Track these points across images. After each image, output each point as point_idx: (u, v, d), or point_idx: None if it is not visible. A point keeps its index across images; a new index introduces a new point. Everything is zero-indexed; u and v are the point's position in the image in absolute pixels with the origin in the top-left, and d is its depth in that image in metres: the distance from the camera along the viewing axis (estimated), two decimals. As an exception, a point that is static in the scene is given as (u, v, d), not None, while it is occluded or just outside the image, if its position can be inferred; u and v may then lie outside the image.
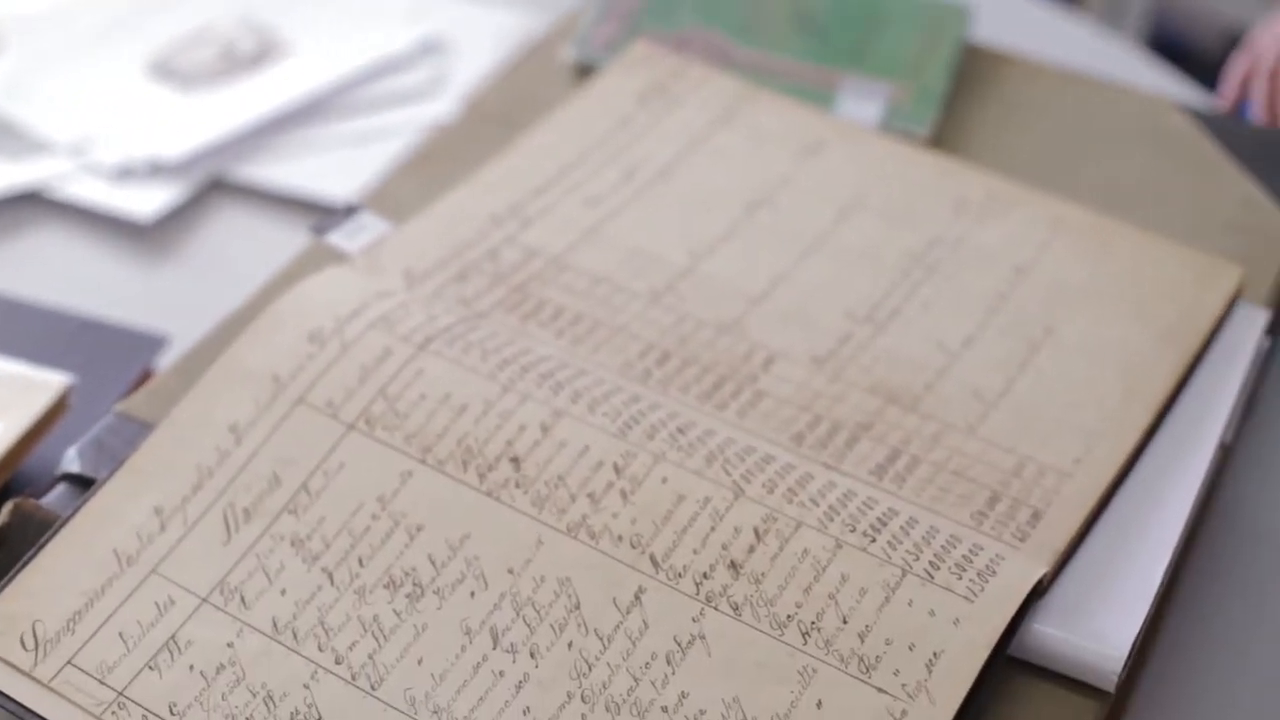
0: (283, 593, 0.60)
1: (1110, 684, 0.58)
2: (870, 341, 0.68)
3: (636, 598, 0.59)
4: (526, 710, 0.56)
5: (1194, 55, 1.01)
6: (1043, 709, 0.59)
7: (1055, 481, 0.63)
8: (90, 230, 0.84)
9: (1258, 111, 0.95)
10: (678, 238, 0.72)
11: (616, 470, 0.61)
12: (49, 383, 0.70)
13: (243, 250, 0.83)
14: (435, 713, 0.57)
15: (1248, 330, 0.70)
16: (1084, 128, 0.82)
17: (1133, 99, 0.84)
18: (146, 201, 0.84)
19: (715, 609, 0.58)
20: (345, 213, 0.73)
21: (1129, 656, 0.59)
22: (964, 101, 0.83)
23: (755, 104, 0.79)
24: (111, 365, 0.74)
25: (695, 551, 0.59)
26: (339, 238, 0.72)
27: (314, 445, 0.63)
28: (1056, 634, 0.59)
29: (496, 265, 0.70)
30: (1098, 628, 0.59)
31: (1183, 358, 0.68)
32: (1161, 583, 0.61)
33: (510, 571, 0.59)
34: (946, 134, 0.81)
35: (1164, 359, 0.68)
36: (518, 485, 0.61)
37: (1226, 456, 0.70)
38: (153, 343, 0.75)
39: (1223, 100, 0.97)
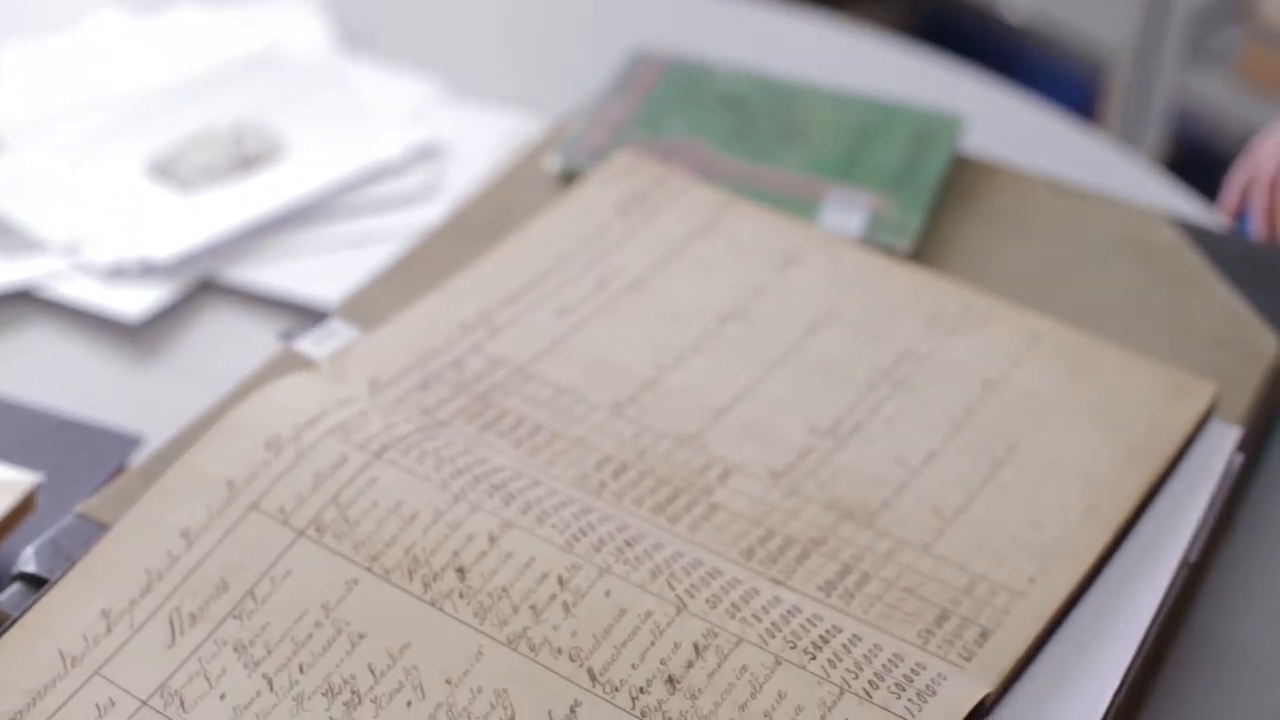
0: (222, 697, 0.59)
1: (1055, 810, 0.57)
2: (830, 456, 0.68)
3: (572, 710, 0.58)
4: (459, 825, 0.56)
5: (1217, 166, 1.00)
6: (985, 835, 0.58)
7: (1007, 600, 0.62)
8: (79, 329, 0.85)
9: (1256, 222, 0.94)
10: (645, 349, 0.72)
11: (561, 582, 0.61)
12: (15, 482, 0.71)
13: (228, 351, 0.83)
14: (365, 825, 0.56)
15: (1218, 447, 0.69)
16: (1070, 240, 0.82)
17: (1121, 211, 0.83)
18: (136, 301, 0.85)
19: (650, 724, 0.58)
20: (315, 319, 0.73)
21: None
22: (951, 212, 0.83)
23: (734, 214, 0.79)
24: (84, 465, 0.75)
25: (634, 666, 0.59)
26: (307, 344, 0.72)
27: (263, 551, 0.63)
28: (1001, 757, 0.58)
29: (460, 374, 0.70)
30: (1045, 750, 0.58)
31: (1148, 475, 0.67)
32: (1112, 704, 0.60)
33: (448, 682, 0.59)
34: (930, 246, 0.81)
35: (1129, 476, 0.67)
36: (461, 595, 0.61)
37: (1194, 575, 0.68)
38: (127, 443, 0.76)
39: (1223, 211, 0.97)
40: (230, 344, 0.84)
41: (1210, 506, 0.67)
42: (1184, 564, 0.66)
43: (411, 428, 0.66)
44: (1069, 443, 0.68)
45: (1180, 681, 0.69)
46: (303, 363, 0.71)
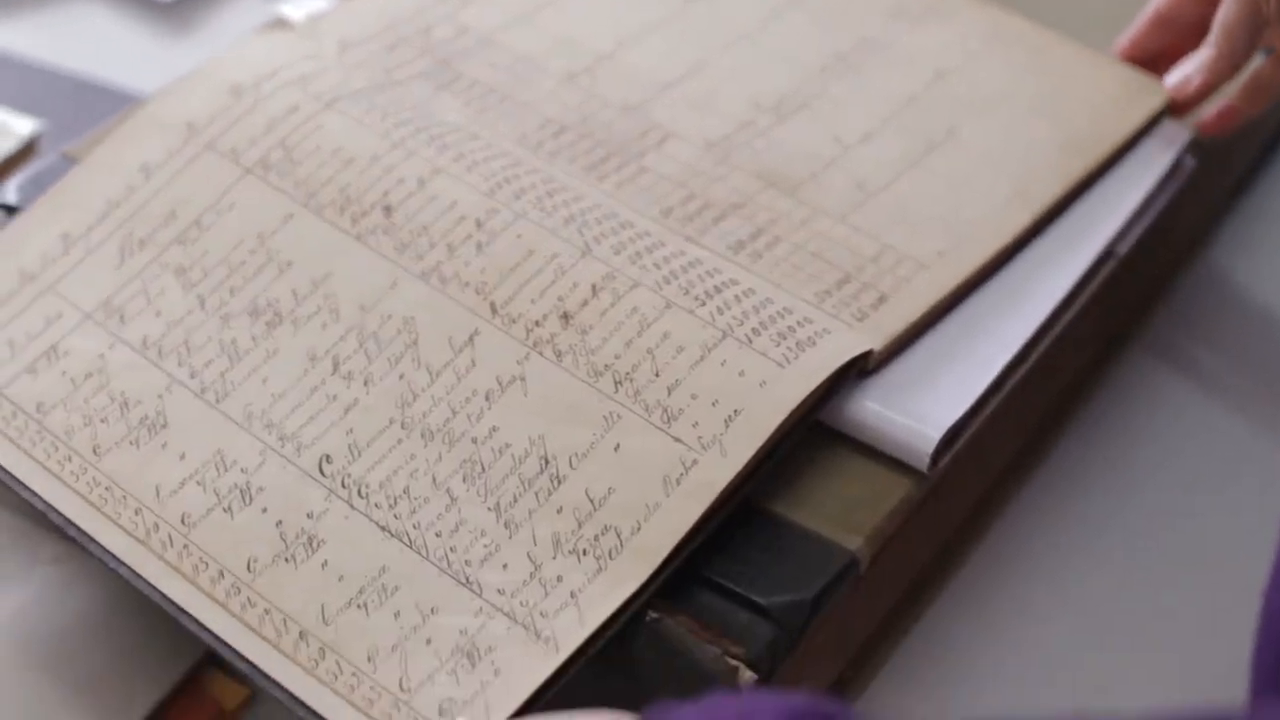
0: (158, 314, 0.64)
1: (922, 463, 0.59)
2: (768, 130, 0.69)
3: (470, 339, 0.61)
4: (350, 431, 0.60)
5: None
6: (855, 481, 0.59)
7: (911, 270, 0.64)
8: (119, 3, 0.89)
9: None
10: (609, 26, 0.74)
11: (478, 224, 0.64)
12: (18, 128, 0.75)
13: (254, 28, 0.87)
14: (267, 427, 0.60)
15: (1166, 146, 0.69)
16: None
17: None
18: (171, -19, 0.89)
19: (540, 354, 0.60)
20: (301, -14, 0.76)
21: (948, 440, 0.59)
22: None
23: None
24: (93, 120, 0.79)
25: (533, 301, 0.62)
26: (290, 8, 0.75)
27: (212, 186, 0.66)
28: (876, 408, 0.60)
29: (427, 39, 0.73)
30: (920, 408, 0.60)
31: (1083, 165, 0.67)
32: (1003, 376, 0.61)
33: (362, 308, 0.62)
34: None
35: (1062, 165, 0.67)
36: (385, 232, 0.64)
37: (1127, 267, 0.69)
38: (135, 102, 0.80)
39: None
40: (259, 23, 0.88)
41: (1148, 202, 0.68)
42: (1109, 254, 0.66)
43: (365, 83, 0.69)
44: (1009, 132, 0.69)
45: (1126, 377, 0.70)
46: (285, 27, 0.74)
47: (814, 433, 0.60)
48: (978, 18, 0.74)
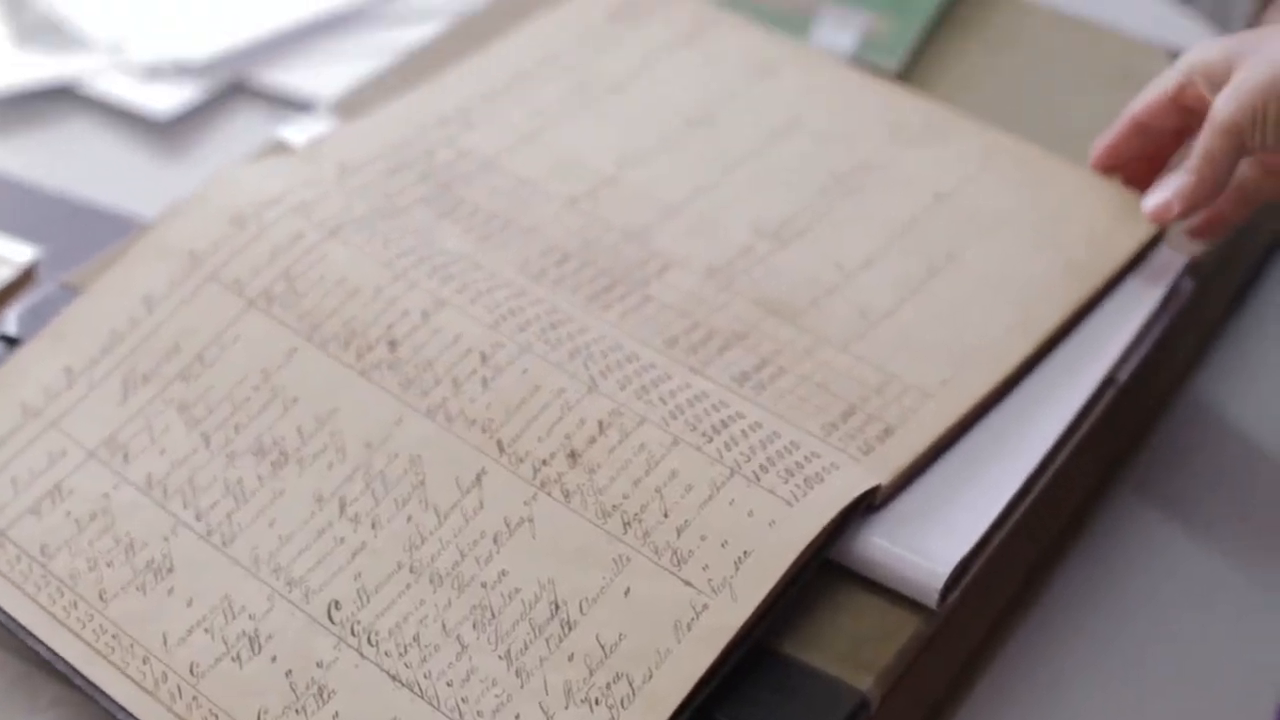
0: (162, 452, 0.63)
1: (931, 599, 0.59)
2: (769, 256, 0.69)
3: (478, 479, 0.61)
4: (358, 575, 0.59)
5: None
6: (864, 618, 0.59)
7: (916, 400, 0.64)
8: (114, 124, 0.89)
9: None
10: (610, 149, 0.74)
11: (483, 359, 0.64)
12: (15, 256, 0.75)
13: (251, 150, 0.87)
14: (275, 571, 0.60)
15: (1163, 272, 0.70)
16: (1063, 68, 0.82)
17: (1120, 43, 0.83)
18: (167, 99, 0.88)
19: (548, 494, 0.60)
20: (300, 109, 0.76)
21: (956, 575, 0.59)
22: (949, 36, 0.83)
23: (721, 27, 0.80)
24: (92, 246, 0.79)
25: (540, 439, 0.61)
26: (290, 132, 0.75)
27: (215, 318, 0.66)
28: (884, 545, 0.60)
29: (429, 163, 0.73)
30: (927, 544, 0.60)
31: (1082, 291, 0.68)
32: (1009, 509, 0.62)
33: (368, 446, 0.62)
34: (922, 67, 0.82)
35: (1062, 291, 0.68)
36: (390, 367, 0.64)
37: (1126, 395, 0.69)
38: (135, 229, 0.80)
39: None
40: (254, 143, 0.88)
41: (1147, 329, 0.68)
42: (1110, 382, 0.66)
43: (368, 209, 0.69)
44: (1008, 256, 0.69)
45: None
46: (284, 150, 0.74)
47: (821, 568, 0.60)
48: (973, 138, 0.74)
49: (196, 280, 0.68)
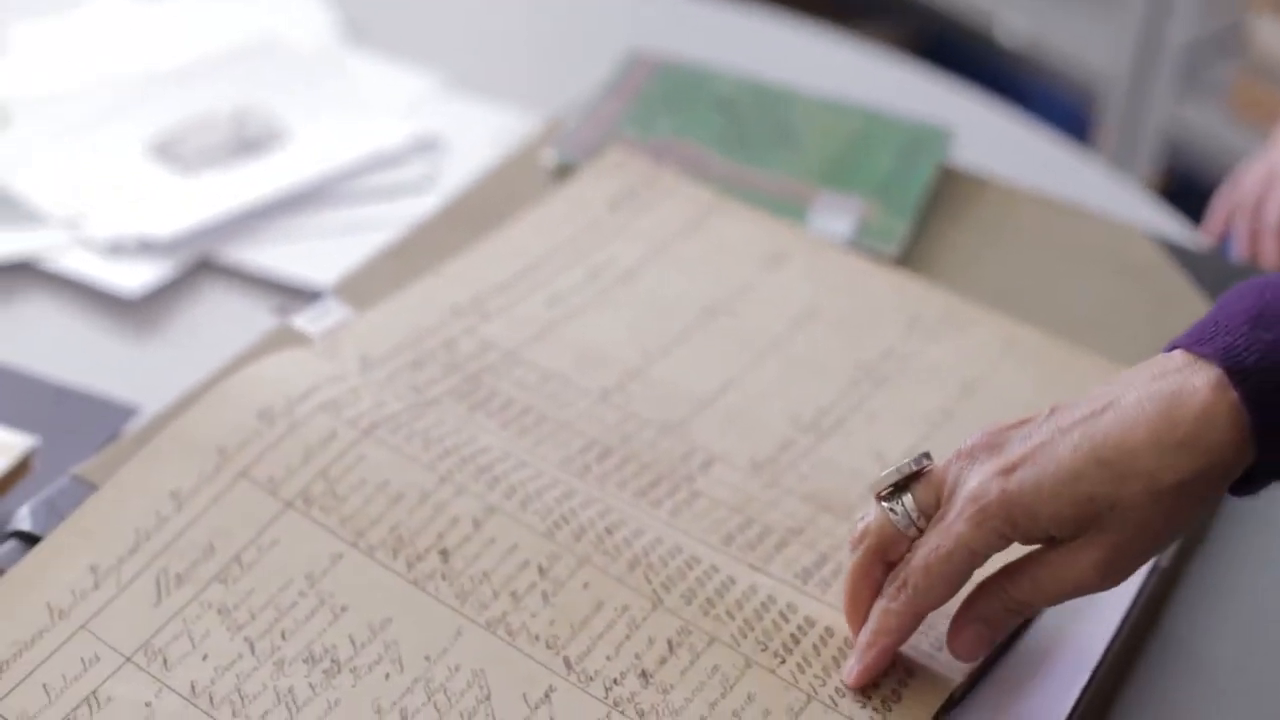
0: (204, 658, 0.61)
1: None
2: (811, 449, 0.69)
3: (547, 695, 0.59)
4: (429, 789, 0.57)
5: (1208, 196, 1.02)
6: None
7: (975, 596, 0.63)
8: (79, 302, 0.86)
9: (1238, 246, 0.96)
10: (633, 339, 0.73)
11: (540, 571, 0.62)
12: (12, 444, 0.72)
13: (223, 328, 0.84)
14: (340, 784, 0.57)
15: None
16: (1053, 252, 0.83)
17: (1104, 227, 0.85)
18: (134, 277, 0.86)
19: (622, 713, 0.59)
20: (310, 297, 0.74)
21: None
22: (939, 222, 0.85)
23: (722, 213, 0.80)
24: (80, 431, 0.76)
25: (608, 658, 0.60)
26: (303, 321, 0.74)
27: (251, 519, 0.64)
28: (966, 748, 0.59)
29: (452, 355, 0.71)
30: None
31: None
32: (1076, 707, 0.61)
33: (427, 658, 0.60)
34: (917, 253, 0.83)
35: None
36: (444, 577, 0.62)
37: (1166, 582, 0.69)
38: (122, 412, 0.77)
39: (1207, 234, 0.98)
40: (225, 322, 0.85)
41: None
42: (1155, 569, 0.67)
43: (401, 406, 0.68)
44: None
45: (1148, 690, 0.70)
46: (297, 338, 0.73)
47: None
48: (990, 327, 0.75)
49: (227, 477, 0.65)
